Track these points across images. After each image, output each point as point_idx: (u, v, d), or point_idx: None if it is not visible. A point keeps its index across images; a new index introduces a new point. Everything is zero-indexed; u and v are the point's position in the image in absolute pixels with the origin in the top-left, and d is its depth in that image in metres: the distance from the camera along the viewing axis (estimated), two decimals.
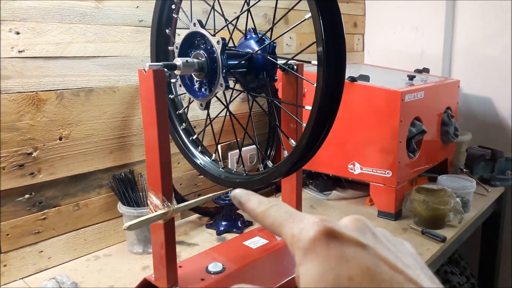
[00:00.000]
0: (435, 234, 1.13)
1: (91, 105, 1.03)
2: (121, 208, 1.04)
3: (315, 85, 0.67)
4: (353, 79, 1.25)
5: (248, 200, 0.29)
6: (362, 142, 1.26)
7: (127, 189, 1.06)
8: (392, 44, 1.97)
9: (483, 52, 1.74)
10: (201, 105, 0.81)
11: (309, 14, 0.66)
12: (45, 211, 0.98)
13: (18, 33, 0.90)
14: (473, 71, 1.77)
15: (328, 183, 1.45)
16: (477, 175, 1.53)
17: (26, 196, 0.95)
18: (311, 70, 1.04)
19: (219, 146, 1.21)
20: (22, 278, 0.96)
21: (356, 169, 1.28)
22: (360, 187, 1.44)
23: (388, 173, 1.22)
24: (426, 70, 1.68)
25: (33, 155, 0.95)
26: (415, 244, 1.10)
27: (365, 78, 1.27)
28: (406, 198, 1.28)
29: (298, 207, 0.98)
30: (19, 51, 0.91)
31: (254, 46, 0.82)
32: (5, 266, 0.93)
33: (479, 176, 1.53)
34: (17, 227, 0.94)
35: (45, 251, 0.99)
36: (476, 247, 1.74)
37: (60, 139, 0.99)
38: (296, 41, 1.64)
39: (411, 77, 1.41)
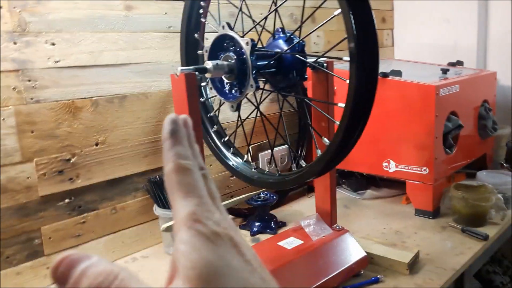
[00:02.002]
0: (476, 232, 1.09)
1: (125, 111, 1.06)
2: (157, 210, 1.05)
3: (347, 82, 0.66)
4: (385, 75, 1.22)
5: (168, 138, 0.24)
6: (396, 139, 1.23)
7: (162, 191, 1.08)
8: (422, 38, 1.92)
9: None
10: (232, 106, 0.81)
11: (339, 10, 0.65)
12: (84, 215, 1.01)
13: (53, 44, 0.93)
14: (509, 62, 1.70)
15: (362, 182, 1.43)
16: None
17: (66, 200, 0.98)
18: (340, 67, 1.02)
19: (250, 148, 1.21)
20: None
21: (391, 167, 1.25)
22: (395, 185, 1.41)
23: (424, 170, 1.19)
24: (460, 63, 1.62)
25: (71, 161, 0.98)
26: (456, 242, 1.07)
27: (397, 73, 1.24)
28: (444, 195, 1.24)
29: (333, 207, 0.97)
30: (55, 61, 0.94)
31: (283, 45, 0.82)
32: (47, 268, 0.97)
33: None
34: (58, 231, 0.97)
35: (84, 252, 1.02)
36: None
37: (97, 145, 1.01)
38: (324, 39, 1.62)
39: (444, 71, 1.37)
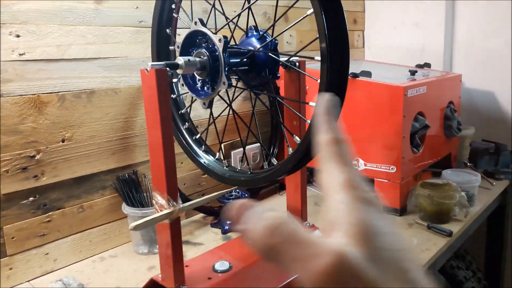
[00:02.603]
0: (441, 229, 1.12)
1: (93, 107, 1.03)
2: (126, 209, 1.03)
3: (319, 81, 0.67)
4: (355, 75, 1.24)
5: (324, 129, 0.27)
6: (365, 138, 1.26)
7: (131, 190, 1.06)
8: (392, 40, 1.97)
9: (484, 46, 1.73)
10: (204, 104, 0.80)
11: (311, 10, 0.65)
12: (50, 213, 0.98)
13: (18, 36, 0.90)
14: (474, 65, 1.76)
15: None
16: (481, 169, 1.52)
17: (30, 199, 0.95)
18: (312, 67, 1.03)
19: (222, 145, 1.21)
20: (28, 281, 0.96)
21: (360, 166, 1.28)
22: None
23: (392, 168, 1.22)
24: (427, 65, 1.67)
25: (36, 158, 0.94)
26: (422, 239, 1.10)
27: (367, 74, 1.26)
28: (410, 193, 1.28)
29: (303, 204, 0.98)
30: (20, 54, 0.90)
31: (255, 43, 0.82)
32: (11, 269, 0.93)
33: (483, 170, 1.53)
34: (22, 230, 0.94)
35: (51, 253, 0.99)
36: (481, 241, 1.73)
37: (63, 141, 0.99)
38: (297, 38, 1.63)
39: (412, 72, 1.40)
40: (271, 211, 0.23)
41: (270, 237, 0.22)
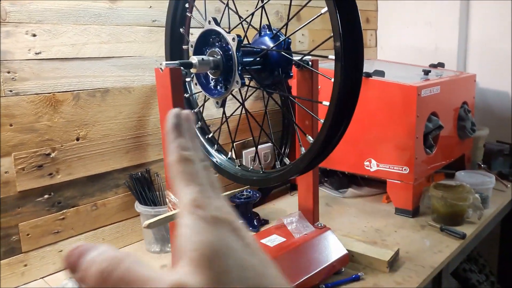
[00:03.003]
0: (454, 231, 1.11)
1: (107, 106, 1.04)
2: (139, 207, 1.04)
3: (332, 80, 0.67)
4: (368, 75, 1.23)
5: (173, 139, 0.25)
6: (378, 138, 1.25)
7: (144, 188, 1.07)
8: (405, 40, 1.95)
9: (499, 45, 1.70)
10: (217, 103, 0.81)
11: (326, 9, 0.65)
12: (64, 211, 0.99)
13: (34, 35, 0.91)
14: (488, 65, 1.74)
15: (344, 180, 1.44)
16: (495, 171, 1.50)
17: (45, 196, 0.96)
18: (325, 66, 1.03)
19: (234, 145, 1.21)
20: (42, 278, 0.97)
21: (373, 166, 1.27)
22: (376, 184, 1.43)
23: (405, 169, 1.20)
24: (441, 65, 1.65)
25: (51, 156, 0.96)
26: (434, 241, 1.09)
27: (380, 73, 1.25)
28: (423, 194, 1.27)
29: (315, 205, 0.97)
30: (36, 53, 0.92)
31: (268, 42, 0.82)
32: (25, 265, 0.94)
33: (498, 172, 1.50)
34: (37, 227, 0.95)
35: (65, 250, 1.00)
36: (495, 244, 1.71)
37: (77, 139, 1.00)
38: (309, 38, 1.63)
39: (426, 72, 1.39)
40: (107, 251, 0.21)
41: (105, 282, 0.20)
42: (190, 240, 0.21)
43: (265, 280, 0.21)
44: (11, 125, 0.89)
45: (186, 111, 0.27)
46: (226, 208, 0.24)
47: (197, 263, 0.21)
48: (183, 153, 0.25)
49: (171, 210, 0.73)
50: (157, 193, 1.09)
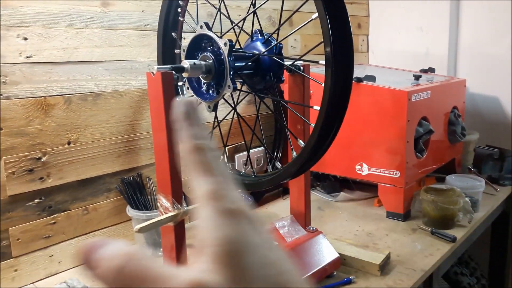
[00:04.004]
0: (445, 234, 1.12)
1: (99, 110, 1.04)
2: (130, 211, 1.04)
3: (323, 85, 0.67)
4: (359, 80, 1.24)
5: (186, 126, 0.24)
6: (369, 142, 1.26)
7: (135, 192, 1.06)
8: (396, 45, 1.97)
9: (489, 50, 1.73)
10: (208, 107, 0.81)
11: (316, 14, 0.66)
12: (55, 215, 0.99)
13: (26, 38, 0.91)
14: (479, 70, 1.76)
15: (336, 184, 1.45)
16: (485, 175, 1.52)
17: (36, 200, 0.95)
18: (317, 71, 1.04)
19: (226, 149, 1.21)
20: (33, 283, 0.96)
21: (364, 170, 1.28)
22: (368, 188, 1.43)
23: (396, 173, 1.21)
24: (431, 70, 1.67)
25: (42, 160, 0.95)
26: (425, 244, 1.10)
27: (371, 78, 1.27)
28: (414, 198, 1.28)
29: (307, 208, 0.98)
30: (27, 57, 0.91)
31: (260, 47, 0.83)
32: (16, 271, 0.94)
33: (488, 176, 1.52)
34: (27, 232, 0.94)
35: (56, 255, 1.00)
36: (485, 247, 1.72)
37: (69, 143, 0.99)
38: (301, 43, 1.64)
39: (417, 77, 1.41)
40: (122, 247, 0.21)
41: (120, 278, 0.20)
42: (210, 235, 0.21)
43: (286, 277, 0.21)
44: (1, 129, 0.89)
45: (193, 99, 0.27)
46: (242, 199, 0.23)
47: (218, 260, 0.20)
48: (197, 142, 0.24)
49: (163, 214, 0.73)
50: (149, 197, 1.09)
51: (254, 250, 0.21)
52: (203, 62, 0.77)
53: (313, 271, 0.89)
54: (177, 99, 0.25)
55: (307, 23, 0.71)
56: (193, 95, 0.83)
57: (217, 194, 0.22)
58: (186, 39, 0.83)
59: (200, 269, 0.20)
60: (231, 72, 0.75)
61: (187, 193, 1.25)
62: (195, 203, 0.23)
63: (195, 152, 0.24)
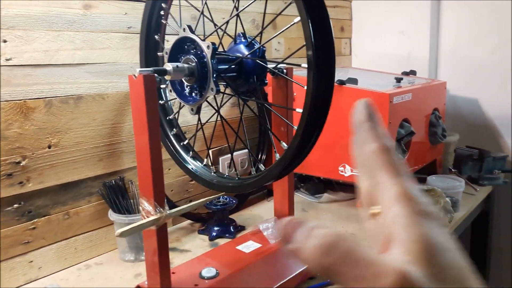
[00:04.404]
0: None
1: (80, 113, 1.03)
2: (112, 215, 1.03)
3: (305, 88, 0.68)
4: (341, 82, 1.26)
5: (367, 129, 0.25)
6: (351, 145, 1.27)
7: (117, 196, 1.05)
8: (379, 48, 2.00)
9: (469, 53, 1.77)
10: (192, 110, 0.81)
11: (298, 18, 0.66)
12: (35, 220, 0.97)
13: (5, 41, 0.89)
14: (459, 72, 1.80)
15: (319, 186, 1.46)
16: (465, 175, 1.55)
17: (15, 205, 0.94)
18: (300, 74, 1.05)
19: (210, 151, 1.21)
20: None
21: (347, 172, 1.29)
22: (351, 189, 1.45)
23: None
24: (413, 72, 1.70)
25: (21, 164, 0.93)
26: None
27: (354, 81, 1.28)
28: None
29: (291, 210, 0.98)
30: (7, 59, 0.90)
31: (243, 50, 0.83)
32: None
33: (468, 176, 1.55)
34: (6, 238, 0.92)
35: (35, 261, 0.98)
36: (465, 246, 1.76)
37: (49, 147, 0.98)
38: (285, 45, 1.65)
39: (398, 80, 1.43)
40: (322, 227, 0.22)
41: (324, 257, 0.21)
42: (408, 231, 0.21)
43: (469, 282, 0.21)
44: None
45: (373, 103, 0.27)
46: (430, 203, 0.24)
47: (418, 255, 0.20)
48: (385, 143, 0.25)
49: (145, 218, 0.73)
50: (131, 201, 1.08)
51: (446, 251, 0.21)
52: (186, 65, 0.77)
53: (296, 272, 0.89)
54: (360, 100, 0.27)
55: (289, 26, 0.72)
56: (175, 98, 0.82)
57: (409, 195, 0.23)
58: (169, 42, 0.83)
59: (402, 260, 0.20)
60: (214, 75, 0.75)
61: (169, 197, 1.24)
62: (385, 202, 0.23)
63: (383, 152, 0.25)
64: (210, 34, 0.82)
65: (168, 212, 0.74)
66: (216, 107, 0.85)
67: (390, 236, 0.22)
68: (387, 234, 0.22)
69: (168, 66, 0.75)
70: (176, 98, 0.83)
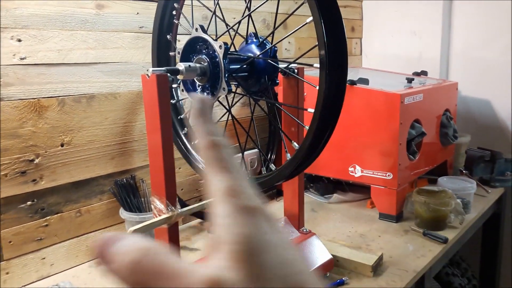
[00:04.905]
0: (436, 236, 1.13)
1: (93, 111, 1.04)
2: (123, 213, 1.03)
3: (317, 88, 0.68)
4: (352, 83, 1.25)
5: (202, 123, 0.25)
6: (362, 145, 1.27)
7: (129, 194, 1.06)
8: (389, 48, 1.99)
9: (481, 54, 1.75)
10: None
11: (311, 18, 0.66)
12: (47, 217, 0.98)
13: (19, 40, 0.90)
14: (470, 73, 1.78)
15: (329, 186, 1.46)
16: (476, 177, 1.53)
17: (28, 203, 0.95)
18: (311, 74, 1.05)
19: None
20: (24, 286, 0.96)
21: (357, 172, 1.29)
22: (361, 190, 1.44)
23: (388, 175, 1.22)
24: (424, 73, 1.69)
25: (35, 162, 0.95)
26: (417, 245, 1.11)
27: (365, 81, 1.28)
28: (407, 200, 1.29)
29: (301, 210, 0.98)
30: (21, 58, 0.91)
31: (255, 50, 0.83)
32: (7, 273, 0.93)
33: (479, 177, 1.54)
34: (19, 234, 0.94)
35: (48, 258, 0.99)
36: (477, 248, 1.74)
37: (62, 145, 0.99)
38: (295, 45, 1.65)
39: (409, 80, 1.42)
40: (138, 241, 0.20)
41: (135, 273, 0.19)
42: (227, 232, 0.20)
43: (302, 277, 0.20)
44: None
45: (205, 97, 0.27)
46: (257, 196, 0.23)
47: (236, 258, 0.19)
48: (213, 139, 0.24)
49: (157, 217, 0.73)
50: (142, 199, 1.09)
51: (272, 248, 0.20)
52: (198, 65, 0.77)
53: None
54: (195, 96, 0.26)
55: (302, 26, 0.72)
56: (187, 98, 0.83)
57: (235, 191, 0.22)
58: (181, 42, 0.84)
59: (217, 266, 0.19)
60: (226, 75, 0.75)
61: (179, 195, 1.24)
62: (211, 198, 0.22)
63: (211, 148, 0.24)
64: (222, 34, 0.82)
65: (179, 210, 0.75)
66: (227, 107, 0.85)
67: (217, 240, 0.21)
68: (215, 238, 0.21)
69: (181, 66, 0.75)
70: (187, 98, 0.83)
